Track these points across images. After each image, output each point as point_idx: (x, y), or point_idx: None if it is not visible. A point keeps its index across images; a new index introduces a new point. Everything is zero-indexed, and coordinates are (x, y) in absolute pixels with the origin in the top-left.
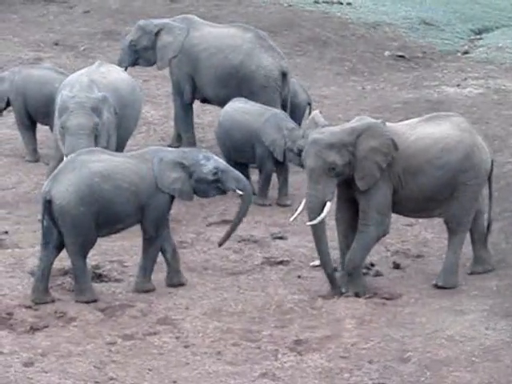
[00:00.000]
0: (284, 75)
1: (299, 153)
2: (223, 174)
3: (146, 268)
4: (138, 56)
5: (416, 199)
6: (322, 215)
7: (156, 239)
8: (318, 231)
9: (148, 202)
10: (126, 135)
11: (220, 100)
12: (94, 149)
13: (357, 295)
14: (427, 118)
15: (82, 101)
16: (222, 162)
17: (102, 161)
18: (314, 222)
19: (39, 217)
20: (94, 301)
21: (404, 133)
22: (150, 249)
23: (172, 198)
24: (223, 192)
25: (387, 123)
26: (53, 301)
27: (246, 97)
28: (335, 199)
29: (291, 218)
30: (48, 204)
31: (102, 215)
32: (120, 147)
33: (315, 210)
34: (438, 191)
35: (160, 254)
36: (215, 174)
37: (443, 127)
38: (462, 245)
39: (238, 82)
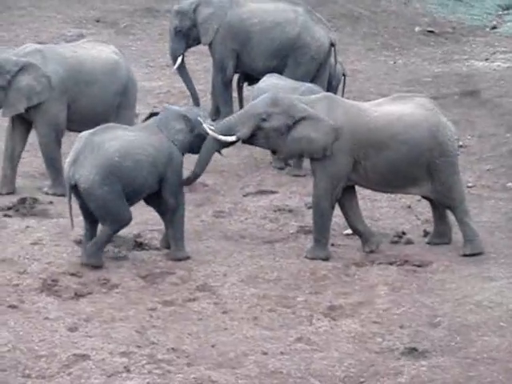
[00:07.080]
0: (332, 46)
1: None
2: None
3: (176, 237)
4: (187, 39)
5: (382, 173)
6: None
7: (178, 207)
8: None
9: (166, 169)
10: (88, 112)
11: (267, 72)
12: (109, 125)
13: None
14: (392, 97)
15: None
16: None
17: (118, 138)
18: None
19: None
20: (100, 266)
21: (367, 109)
22: (174, 218)
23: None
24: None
25: (349, 101)
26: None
27: (290, 68)
28: None
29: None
30: (74, 188)
31: (125, 190)
32: (82, 123)
33: None
34: (406, 167)
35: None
36: None
37: (408, 106)
38: (467, 213)
39: (287, 54)
